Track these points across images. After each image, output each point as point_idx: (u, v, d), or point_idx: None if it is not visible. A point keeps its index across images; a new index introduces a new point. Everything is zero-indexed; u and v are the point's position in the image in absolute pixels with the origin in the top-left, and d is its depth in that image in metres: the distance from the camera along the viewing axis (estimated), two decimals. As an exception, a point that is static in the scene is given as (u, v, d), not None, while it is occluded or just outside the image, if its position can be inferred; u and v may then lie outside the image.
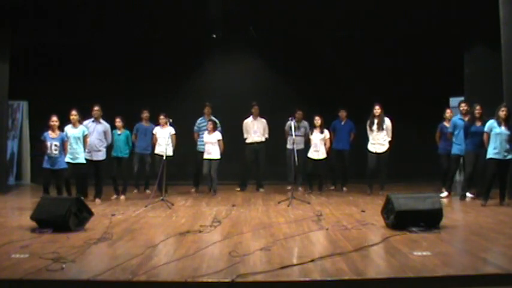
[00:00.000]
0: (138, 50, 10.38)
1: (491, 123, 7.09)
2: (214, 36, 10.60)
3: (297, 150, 8.47)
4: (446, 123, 8.46)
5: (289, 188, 9.10)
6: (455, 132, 7.99)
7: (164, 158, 7.59)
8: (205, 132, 8.74)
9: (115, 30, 9.97)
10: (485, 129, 7.15)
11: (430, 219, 5.30)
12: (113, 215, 6.43)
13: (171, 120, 8.08)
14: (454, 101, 9.17)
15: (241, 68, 11.07)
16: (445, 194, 7.99)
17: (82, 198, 6.02)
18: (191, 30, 10.23)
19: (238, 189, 9.25)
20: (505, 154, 6.95)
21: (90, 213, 5.68)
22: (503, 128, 6.98)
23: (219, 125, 8.93)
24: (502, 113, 7.00)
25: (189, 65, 10.62)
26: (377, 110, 8.44)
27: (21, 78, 9.55)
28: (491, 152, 7.02)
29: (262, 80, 10.88)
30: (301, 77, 10.54)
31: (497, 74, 7.94)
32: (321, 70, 10.45)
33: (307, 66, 10.53)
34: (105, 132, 7.95)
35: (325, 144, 8.73)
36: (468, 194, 7.85)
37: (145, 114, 9.02)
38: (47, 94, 9.76)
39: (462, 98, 9.08)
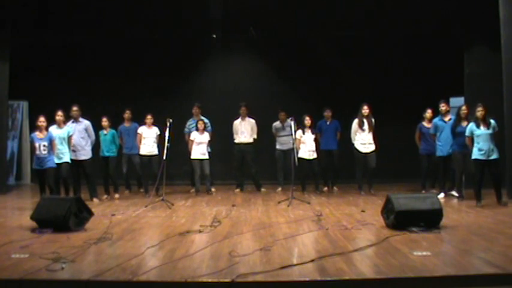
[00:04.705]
0: (138, 50, 10.38)
1: (471, 126, 7.04)
2: (214, 36, 10.58)
3: (287, 150, 8.44)
4: (425, 123, 8.46)
5: (279, 189, 9.12)
6: (437, 134, 8.01)
7: (164, 158, 7.57)
8: (196, 133, 8.73)
9: (115, 30, 9.97)
10: (466, 133, 7.10)
11: (430, 219, 5.30)
12: (113, 215, 6.44)
13: (171, 121, 8.07)
14: (454, 101, 9.16)
15: (241, 68, 11.05)
16: (442, 195, 7.96)
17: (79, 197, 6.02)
18: (191, 30, 10.23)
19: (237, 190, 9.21)
20: (490, 154, 6.88)
21: (90, 213, 5.70)
22: (482, 128, 6.93)
23: (208, 124, 8.92)
24: (479, 113, 6.94)
25: (189, 65, 10.61)
26: (365, 110, 8.42)
27: (21, 78, 9.55)
28: (476, 153, 6.95)
29: (263, 80, 10.87)
30: (301, 77, 10.53)
31: (497, 74, 7.93)
32: (321, 70, 10.45)
33: (307, 66, 10.52)
34: (86, 129, 7.92)
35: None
36: (454, 193, 7.85)
37: (127, 115, 8.73)
38: (47, 94, 9.74)
39: (462, 98, 9.10)
